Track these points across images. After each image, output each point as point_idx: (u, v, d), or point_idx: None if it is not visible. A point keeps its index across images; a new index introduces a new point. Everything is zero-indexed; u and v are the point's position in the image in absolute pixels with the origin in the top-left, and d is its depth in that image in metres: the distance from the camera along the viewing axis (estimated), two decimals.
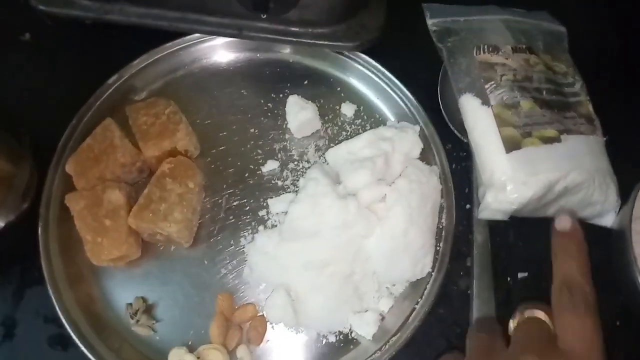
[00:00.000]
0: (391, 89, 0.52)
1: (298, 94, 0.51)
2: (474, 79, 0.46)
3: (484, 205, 0.44)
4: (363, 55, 0.52)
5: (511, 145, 0.43)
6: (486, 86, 0.45)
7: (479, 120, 0.45)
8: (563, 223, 0.37)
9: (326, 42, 0.51)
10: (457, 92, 0.47)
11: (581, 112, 0.47)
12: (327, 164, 0.49)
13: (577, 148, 0.43)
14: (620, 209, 0.46)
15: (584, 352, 0.31)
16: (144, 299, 0.44)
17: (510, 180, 0.42)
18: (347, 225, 0.41)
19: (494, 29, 0.50)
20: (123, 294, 0.44)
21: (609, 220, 0.46)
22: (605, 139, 0.46)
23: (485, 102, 0.45)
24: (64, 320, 0.41)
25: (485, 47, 0.48)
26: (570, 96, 0.48)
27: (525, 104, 0.44)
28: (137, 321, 0.42)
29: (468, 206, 0.48)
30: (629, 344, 0.44)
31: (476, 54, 0.47)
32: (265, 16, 0.49)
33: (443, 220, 0.46)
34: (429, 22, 0.49)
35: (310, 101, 0.51)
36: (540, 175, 0.41)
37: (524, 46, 0.49)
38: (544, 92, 0.46)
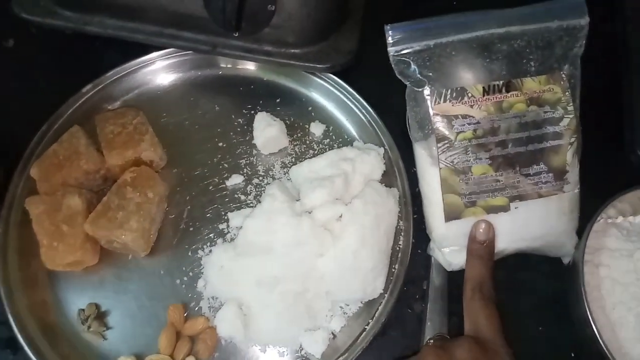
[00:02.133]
0: (359, 110, 0.52)
1: (268, 111, 0.52)
2: (426, 134, 0.42)
3: (429, 249, 0.45)
4: (334, 77, 0.53)
5: (451, 214, 0.41)
6: (438, 145, 0.41)
7: (427, 177, 0.43)
8: (480, 233, 0.40)
9: (297, 63, 0.52)
10: (412, 139, 0.44)
11: (552, 164, 0.42)
12: (291, 180, 0.49)
13: (527, 216, 0.41)
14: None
15: (492, 333, 0.38)
16: (97, 306, 0.44)
17: (447, 245, 0.43)
18: (300, 243, 0.42)
19: (472, 55, 0.41)
20: (77, 299, 0.44)
21: (567, 259, 0.46)
22: (577, 191, 0.43)
23: (435, 162, 0.41)
24: (13, 325, 0.41)
25: (449, 92, 0.41)
26: (548, 139, 0.41)
27: (477, 169, 0.41)
28: (88, 327, 0.42)
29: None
30: None
31: (435, 102, 0.41)
32: (237, 34, 0.50)
33: (400, 243, 0.46)
34: (391, 49, 0.41)
35: (278, 119, 0.52)
36: None
37: (500, 83, 0.41)
38: (509, 145, 0.41)
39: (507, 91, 0.41)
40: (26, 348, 0.40)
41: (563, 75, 0.42)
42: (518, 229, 0.42)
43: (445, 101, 0.41)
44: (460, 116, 0.41)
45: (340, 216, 0.44)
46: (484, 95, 0.41)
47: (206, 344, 0.42)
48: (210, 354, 0.42)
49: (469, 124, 0.41)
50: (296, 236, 0.42)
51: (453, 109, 0.41)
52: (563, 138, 0.42)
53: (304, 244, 0.42)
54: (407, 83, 0.43)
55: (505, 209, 0.41)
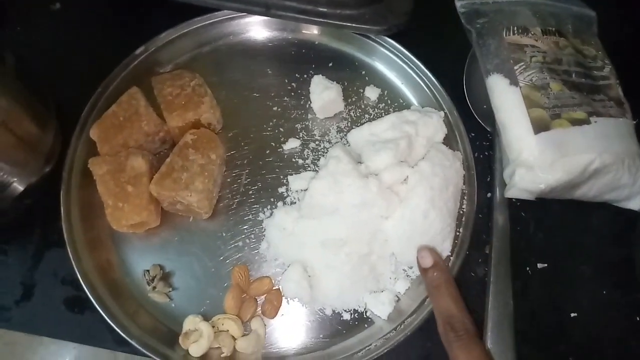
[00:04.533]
0: (417, 74, 0.51)
1: (323, 75, 0.51)
2: (503, 60, 0.46)
3: (511, 184, 0.44)
4: (389, 40, 0.52)
5: (540, 127, 0.43)
6: (515, 67, 0.45)
7: (507, 101, 0.45)
8: (425, 259, 0.38)
9: (353, 24, 0.51)
10: (485, 73, 0.47)
11: (610, 95, 0.47)
12: (349, 145, 0.48)
13: (606, 130, 0.43)
14: None
15: None
16: (161, 267, 0.44)
17: (538, 161, 0.42)
18: (366, 205, 0.41)
19: (523, 11, 0.50)
20: (141, 261, 0.44)
21: (636, 203, 0.46)
22: (635, 122, 0.46)
23: (514, 82, 0.45)
24: (82, 283, 0.41)
25: (515, 28, 0.48)
26: (600, 79, 0.48)
27: (555, 85, 0.45)
28: (154, 288, 0.43)
29: (489, 194, 0.48)
30: None
31: (505, 35, 0.47)
32: None
33: (464, 206, 0.46)
34: (458, 3, 0.50)
35: (334, 82, 0.51)
36: (568, 157, 0.41)
37: (553, 29, 0.49)
38: (573, 75, 0.46)
39: (560, 36, 0.49)
40: (96, 305, 0.41)
41: (592, 42, 0.50)
42: (601, 140, 0.43)
43: (513, 34, 0.47)
44: (529, 45, 0.47)
45: (406, 178, 0.43)
46: (543, 35, 0.48)
47: (272, 304, 0.42)
48: (276, 314, 0.42)
49: (538, 51, 0.47)
50: (363, 198, 0.41)
51: (521, 40, 0.47)
52: (610, 79, 0.48)
53: (371, 206, 0.41)
54: (473, 30, 0.49)
55: (586, 121, 0.43)
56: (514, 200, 0.47)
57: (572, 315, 0.44)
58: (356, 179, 0.41)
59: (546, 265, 0.46)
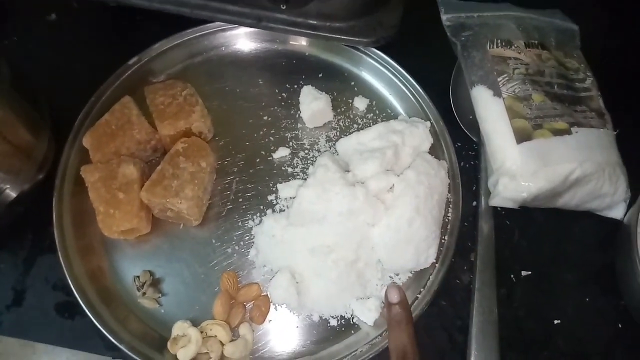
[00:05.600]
0: (404, 85, 0.53)
1: (312, 85, 0.53)
2: (487, 71, 0.48)
3: (495, 192, 0.45)
4: (377, 51, 0.53)
5: (522, 137, 0.44)
6: (499, 79, 0.47)
7: (491, 111, 0.46)
8: (393, 295, 0.39)
9: (342, 37, 0.52)
10: (470, 84, 0.48)
11: (592, 107, 0.48)
12: (337, 153, 0.49)
13: (587, 140, 0.45)
14: (629, 203, 0.47)
15: None
16: (151, 273, 0.44)
17: (521, 170, 0.43)
18: (353, 213, 0.42)
19: (507, 25, 0.52)
20: (131, 267, 0.45)
21: (618, 212, 0.47)
22: (615, 132, 0.48)
23: (497, 93, 0.46)
24: (73, 288, 0.42)
25: (499, 41, 0.49)
26: (582, 91, 0.49)
27: (537, 96, 0.46)
28: (144, 293, 0.43)
29: (475, 203, 0.49)
30: (631, 345, 0.45)
31: (489, 47, 0.49)
32: (284, 7, 0.50)
33: (449, 214, 0.47)
34: (444, 17, 0.51)
35: (324, 92, 0.52)
36: (550, 166, 0.43)
37: (536, 42, 0.51)
38: (555, 86, 0.48)
39: (542, 49, 0.50)
40: (87, 311, 0.41)
41: (575, 55, 0.52)
42: (582, 149, 0.44)
43: (497, 47, 0.49)
44: (512, 58, 0.48)
45: (392, 187, 0.44)
46: (526, 48, 0.49)
47: (260, 310, 0.43)
48: (264, 320, 0.43)
49: (521, 64, 0.48)
50: (350, 205, 0.42)
51: (505, 52, 0.49)
52: (592, 91, 0.49)
53: (358, 213, 0.42)
54: (458, 42, 0.50)
55: (568, 131, 0.45)
56: (498, 208, 0.48)
57: (556, 322, 0.45)
58: (343, 187, 0.42)
59: (530, 272, 0.47)
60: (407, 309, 0.39)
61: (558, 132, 0.45)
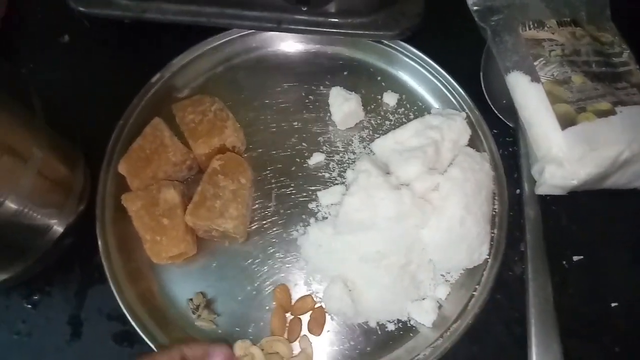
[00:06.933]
0: (433, 76, 0.51)
1: (339, 85, 0.51)
2: (522, 56, 0.46)
3: (541, 181, 0.44)
4: (403, 43, 0.52)
5: (566, 122, 0.43)
6: (535, 63, 0.45)
7: (530, 98, 0.45)
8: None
9: (366, 32, 0.51)
10: (504, 71, 0.47)
11: (632, 82, 0.46)
12: (373, 154, 0.49)
13: (632, 119, 0.43)
14: None
15: None
16: (203, 294, 0.44)
17: (568, 157, 0.42)
18: (401, 217, 0.41)
19: (535, 4, 0.50)
20: (182, 289, 0.45)
21: None
22: None
23: (535, 78, 0.45)
24: (128, 317, 0.42)
25: (531, 23, 0.47)
26: (620, 66, 0.48)
27: (577, 78, 0.45)
28: (199, 316, 0.43)
29: (518, 191, 0.48)
30: None
31: (522, 30, 0.47)
32: (305, 8, 0.49)
33: (495, 207, 0.46)
34: (470, 1, 0.50)
35: (353, 92, 0.51)
36: (598, 150, 0.42)
37: (568, 19, 0.49)
38: (593, 65, 0.46)
39: (575, 26, 0.49)
40: (145, 338, 0.41)
41: (608, 28, 0.50)
42: (628, 130, 0.43)
43: (530, 29, 0.47)
44: (547, 39, 0.47)
45: (437, 185, 0.43)
46: (559, 27, 0.48)
47: (317, 322, 0.43)
48: (321, 331, 0.43)
49: (556, 45, 0.46)
50: (397, 210, 0.41)
51: (538, 34, 0.47)
52: (630, 65, 0.48)
53: (406, 217, 0.42)
54: (488, 27, 0.49)
55: (612, 112, 0.43)
56: (542, 194, 0.47)
57: (613, 304, 0.45)
58: (389, 192, 0.42)
59: (582, 257, 0.46)
60: None
61: (602, 114, 0.43)
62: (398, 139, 0.47)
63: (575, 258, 0.46)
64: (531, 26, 0.47)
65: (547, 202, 0.48)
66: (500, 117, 0.50)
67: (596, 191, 0.47)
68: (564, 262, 0.46)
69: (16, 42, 0.56)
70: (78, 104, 0.52)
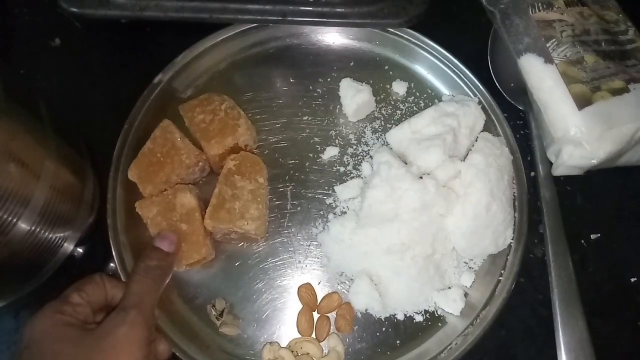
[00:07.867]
0: (443, 62, 0.51)
1: (348, 77, 0.50)
2: (534, 38, 0.46)
3: (559, 162, 0.44)
4: (409, 31, 0.51)
5: (582, 102, 0.43)
6: (548, 44, 0.45)
7: (545, 80, 0.45)
8: (167, 242, 0.39)
9: (373, 21, 0.49)
10: (516, 54, 0.47)
11: None
12: (389, 145, 0.48)
13: None
14: None
15: None
16: (225, 299, 0.43)
17: (586, 136, 0.42)
18: (426, 206, 0.41)
19: None
20: (201, 295, 0.44)
21: None
22: None
23: (549, 60, 0.45)
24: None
25: (539, 4, 0.47)
26: (627, 43, 0.48)
27: (589, 57, 0.45)
28: (223, 322, 0.42)
29: (532, 173, 0.48)
30: None
31: (532, 12, 0.47)
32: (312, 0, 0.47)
33: (514, 191, 0.46)
34: None
35: (364, 83, 0.50)
36: (615, 128, 0.42)
37: None
38: (603, 44, 0.47)
39: (582, 5, 0.49)
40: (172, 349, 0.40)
41: (611, 6, 0.50)
42: None
43: (539, 11, 0.47)
44: (557, 20, 0.47)
45: (458, 173, 0.43)
46: (567, 7, 0.48)
47: (345, 319, 0.42)
48: (351, 328, 0.42)
49: (566, 25, 0.47)
50: (422, 200, 0.41)
51: (548, 15, 0.47)
52: (637, 42, 0.48)
53: (431, 206, 0.41)
54: (497, 11, 0.48)
55: (625, 89, 0.44)
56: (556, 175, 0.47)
57: (633, 280, 0.45)
58: (413, 183, 0.41)
59: (599, 235, 0.47)
60: (171, 267, 0.38)
61: (617, 92, 0.44)
62: (414, 128, 0.46)
63: (592, 236, 0.47)
64: (540, 7, 0.47)
65: (561, 183, 0.48)
66: (511, 100, 0.50)
67: (609, 169, 0.47)
68: (582, 241, 0.47)
69: (4, 47, 0.54)
70: (78, 110, 0.49)
